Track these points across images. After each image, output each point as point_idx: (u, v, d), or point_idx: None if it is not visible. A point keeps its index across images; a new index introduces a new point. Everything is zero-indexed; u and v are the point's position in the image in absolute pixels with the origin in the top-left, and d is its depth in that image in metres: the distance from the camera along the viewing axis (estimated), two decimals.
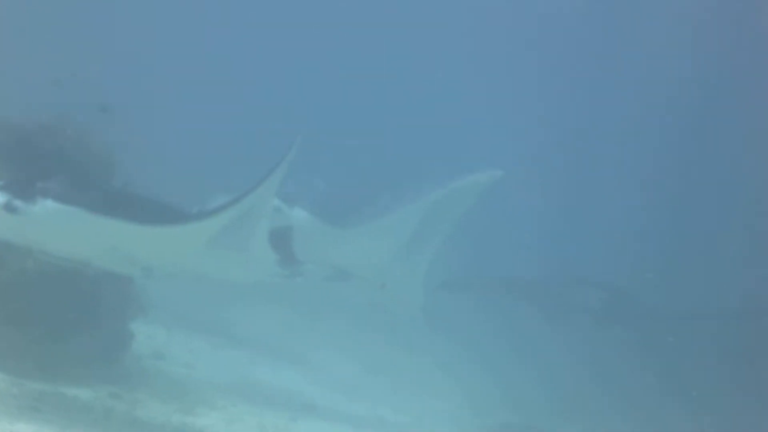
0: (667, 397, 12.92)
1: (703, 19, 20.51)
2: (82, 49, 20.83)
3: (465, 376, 13.95)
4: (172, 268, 7.39)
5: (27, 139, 8.05)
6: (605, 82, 23.85)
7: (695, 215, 19.46)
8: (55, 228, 6.56)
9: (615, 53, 23.37)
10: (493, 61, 27.19)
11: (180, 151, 19.23)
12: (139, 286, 9.29)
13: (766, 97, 19.50)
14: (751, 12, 19.27)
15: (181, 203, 7.37)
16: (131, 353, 9.46)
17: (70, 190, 6.67)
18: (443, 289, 12.78)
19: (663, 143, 21.47)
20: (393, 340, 14.62)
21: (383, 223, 10.19)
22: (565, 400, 13.16)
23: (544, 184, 22.53)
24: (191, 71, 25.73)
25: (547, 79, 25.50)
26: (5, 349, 7.78)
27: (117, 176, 8.18)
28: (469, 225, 11.50)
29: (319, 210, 9.98)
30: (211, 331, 13.03)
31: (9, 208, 6.31)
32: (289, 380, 12.13)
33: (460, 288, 13.64)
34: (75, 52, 19.99)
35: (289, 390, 11.63)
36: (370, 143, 22.81)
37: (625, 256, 18.11)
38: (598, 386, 13.39)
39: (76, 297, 8.32)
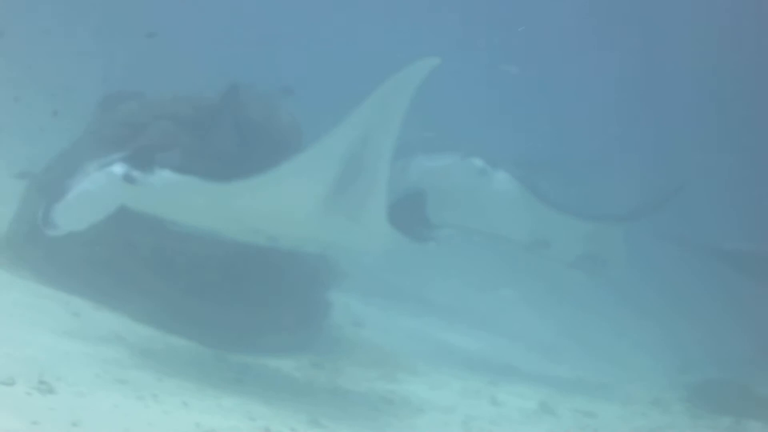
0: None
1: None
2: None
3: (668, 332, 13.44)
4: (293, 236, 7.19)
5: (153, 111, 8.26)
6: None
7: None
8: (175, 198, 6.58)
9: None
10: None
11: None
12: (332, 255, 9.35)
13: None
14: None
15: None
16: (331, 322, 9.57)
17: (188, 160, 6.71)
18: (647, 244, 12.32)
19: None
20: (590, 301, 14.24)
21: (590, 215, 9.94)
22: None
23: None
24: None
25: None
26: (208, 324, 7.98)
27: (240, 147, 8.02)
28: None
29: (522, 176, 9.67)
30: (407, 298, 13.08)
31: (128, 178, 6.41)
32: (486, 344, 12.02)
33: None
34: None
35: (487, 354, 11.51)
36: None
37: None
38: None
39: (272, 268, 8.44)
